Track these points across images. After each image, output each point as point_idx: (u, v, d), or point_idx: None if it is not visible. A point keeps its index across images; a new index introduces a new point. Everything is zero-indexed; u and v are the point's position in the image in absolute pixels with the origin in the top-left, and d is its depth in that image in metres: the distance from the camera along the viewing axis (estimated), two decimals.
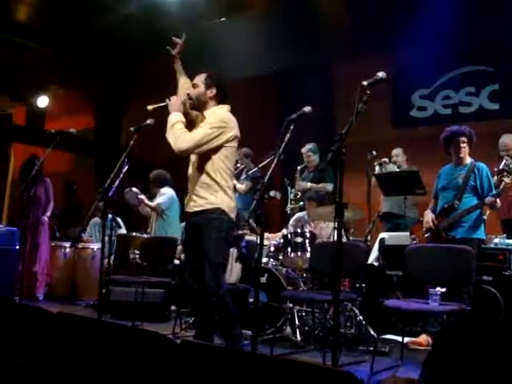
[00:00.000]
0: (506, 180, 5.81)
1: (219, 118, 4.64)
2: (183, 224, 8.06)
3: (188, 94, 4.77)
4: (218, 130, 4.58)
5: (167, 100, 4.72)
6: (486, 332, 2.02)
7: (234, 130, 4.69)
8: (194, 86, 4.78)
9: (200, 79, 4.78)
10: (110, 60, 11.41)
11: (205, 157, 4.63)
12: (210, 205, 4.59)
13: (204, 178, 4.64)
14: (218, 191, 4.59)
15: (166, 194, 8.10)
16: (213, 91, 4.76)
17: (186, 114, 4.75)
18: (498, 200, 5.61)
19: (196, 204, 4.66)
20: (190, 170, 4.81)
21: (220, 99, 4.79)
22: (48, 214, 8.48)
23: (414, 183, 6.85)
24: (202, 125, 4.64)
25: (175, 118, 4.61)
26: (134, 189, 7.91)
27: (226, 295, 4.67)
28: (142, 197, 8.00)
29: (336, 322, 3.64)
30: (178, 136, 4.53)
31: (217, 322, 4.76)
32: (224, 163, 4.66)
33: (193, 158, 4.76)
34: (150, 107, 4.75)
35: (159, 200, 8.04)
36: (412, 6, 7.99)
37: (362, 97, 3.58)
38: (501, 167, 6.35)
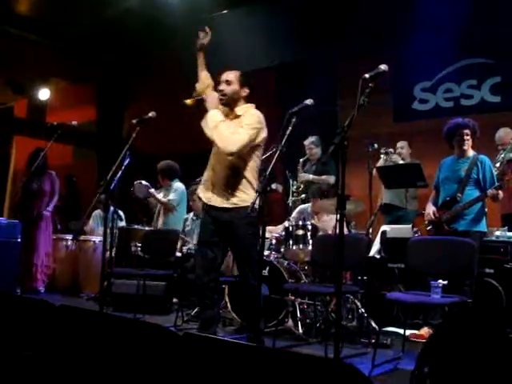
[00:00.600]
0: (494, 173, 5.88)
1: (257, 119, 4.72)
2: (186, 216, 8.10)
3: (222, 91, 4.75)
4: (257, 131, 4.67)
5: (204, 95, 4.72)
6: (483, 324, 2.02)
7: (265, 130, 4.78)
8: (228, 82, 4.76)
9: (234, 77, 4.79)
10: (111, 52, 11.40)
11: (240, 155, 4.67)
12: (242, 202, 4.65)
13: (236, 175, 4.70)
14: (248, 189, 4.67)
15: (179, 189, 8.00)
16: (246, 91, 4.81)
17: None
18: (501, 192, 5.61)
19: (227, 201, 4.70)
20: (217, 164, 4.81)
21: (248, 99, 4.85)
22: (50, 207, 8.46)
23: (415, 176, 6.85)
24: (242, 124, 4.66)
25: (217, 117, 4.65)
26: (144, 182, 7.81)
27: (260, 288, 4.79)
28: (152, 191, 7.92)
29: (338, 314, 3.65)
30: (226, 137, 4.57)
31: (247, 314, 4.91)
32: (255, 162, 4.76)
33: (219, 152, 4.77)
34: (188, 101, 4.71)
35: (172, 196, 7.94)
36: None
37: (364, 90, 3.58)
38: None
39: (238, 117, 4.76)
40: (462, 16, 7.79)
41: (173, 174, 8.08)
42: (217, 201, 4.75)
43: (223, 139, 4.57)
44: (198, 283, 4.87)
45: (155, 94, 11.12)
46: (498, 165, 6.60)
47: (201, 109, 4.79)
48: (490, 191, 5.57)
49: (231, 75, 4.80)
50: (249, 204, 4.40)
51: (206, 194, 4.85)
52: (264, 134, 4.75)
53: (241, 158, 4.68)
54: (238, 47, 9.17)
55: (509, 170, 6.45)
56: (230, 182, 4.70)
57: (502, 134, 7.02)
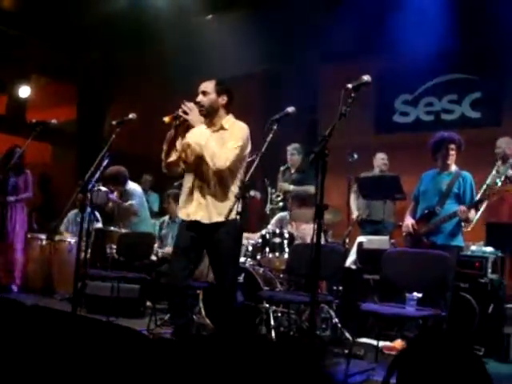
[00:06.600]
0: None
1: (245, 133, 4.65)
2: (162, 219, 8.09)
3: (199, 102, 4.67)
4: (244, 145, 4.61)
5: (180, 111, 4.58)
6: (453, 341, 2.02)
7: (250, 143, 4.72)
8: (205, 93, 4.70)
9: (210, 86, 4.71)
10: (94, 51, 11.35)
11: (229, 170, 4.61)
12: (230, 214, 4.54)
13: (221, 188, 4.63)
14: (232, 199, 4.42)
15: (136, 193, 8.02)
16: (224, 99, 4.72)
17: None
18: (473, 211, 5.62)
19: (213, 216, 4.61)
20: (197, 178, 4.72)
21: (228, 106, 4.78)
22: (17, 197, 8.39)
23: (394, 188, 6.87)
24: (232, 137, 4.60)
25: (205, 134, 4.56)
26: (103, 188, 7.70)
27: (238, 297, 4.76)
28: (112, 196, 7.90)
29: (312, 323, 3.63)
30: (217, 154, 4.49)
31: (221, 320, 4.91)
32: (240, 173, 4.69)
33: (204, 167, 4.66)
34: (166, 118, 4.56)
35: (132, 201, 7.94)
36: (398, 12, 8.04)
37: (346, 99, 3.58)
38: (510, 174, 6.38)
39: (223, 129, 4.70)
40: (446, 31, 7.85)
41: (124, 179, 8.04)
42: (200, 215, 4.66)
43: (211, 156, 4.48)
44: (171, 289, 4.83)
45: (136, 94, 11.09)
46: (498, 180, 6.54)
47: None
48: (460, 207, 5.56)
49: (208, 85, 4.72)
50: (235, 216, 4.30)
51: (189, 206, 4.74)
52: (249, 147, 4.71)
53: (230, 172, 4.62)
54: (223, 52, 9.18)
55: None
56: (214, 195, 4.62)
57: (504, 144, 6.93)
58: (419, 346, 2.09)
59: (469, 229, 6.06)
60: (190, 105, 4.60)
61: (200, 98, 4.70)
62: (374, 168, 8.28)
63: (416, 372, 1.99)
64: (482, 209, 6.46)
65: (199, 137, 4.54)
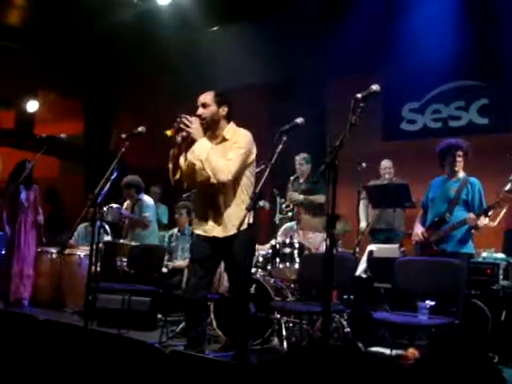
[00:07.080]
0: None
1: (248, 140, 4.66)
2: (171, 232, 8.09)
3: (200, 115, 4.64)
4: (248, 152, 4.63)
5: (181, 124, 4.56)
6: (468, 349, 2.02)
7: (255, 148, 4.74)
8: (205, 105, 4.67)
9: (210, 98, 4.69)
10: (100, 65, 11.38)
11: (230, 180, 4.60)
12: (243, 225, 4.49)
13: (232, 199, 4.63)
14: (243, 210, 4.28)
15: (149, 204, 8.12)
16: (225, 109, 4.71)
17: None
18: (482, 219, 5.58)
19: (229, 228, 4.60)
20: (208, 193, 4.70)
21: (228, 116, 4.77)
22: (41, 218, 8.47)
23: (402, 196, 6.85)
24: (234, 147, 4.60)
25: (206, 147, 4.53)
26: (115, 205, 7.78)
27: (251, 308, 4.79)
28: (125, 212, 7.96)
29: (326, 333, 3.62)
30: (219, 167, 4.48)
31: (237, 333, 4.93)
32: (250, 180, 4.71)
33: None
34: (168, 132, 4.51)
35: (147, 213, 8.04)
36: (405, 21, 8.05)
37: (355, 109, 3.58)
38: None
39: (225, 140, 4.69)
40: (452, 38, 7.86)
41: (139, 187, 8.19)
42: (217, 230, 4.65)
43: (213, 169, 4.46)
44: (188, 300, 4.82)
45: (143, 107, 11.13)
46: None
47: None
48: (470, 215, 5.55)
49: (206, 97, 4.70)
50: (248, 224, 4.20)
51: (207, 229, 4.71)
52: (254, 152, 4.71)
53: (236, 180, 4.61)
54: (228, 64, 9.21)
55: None
56: (227, 207, 4.62)
57: None
58: (434, 355, 2.08)
59: (491, 224, 5.92)
60: (192, 118, 4.59)
61: (201, 110, 4.67)
62: (381, 176, 8.26)
63: (432, 380, 1.99)
64: (501, 214, 6.37)
65: (200, 151, 4.52)
